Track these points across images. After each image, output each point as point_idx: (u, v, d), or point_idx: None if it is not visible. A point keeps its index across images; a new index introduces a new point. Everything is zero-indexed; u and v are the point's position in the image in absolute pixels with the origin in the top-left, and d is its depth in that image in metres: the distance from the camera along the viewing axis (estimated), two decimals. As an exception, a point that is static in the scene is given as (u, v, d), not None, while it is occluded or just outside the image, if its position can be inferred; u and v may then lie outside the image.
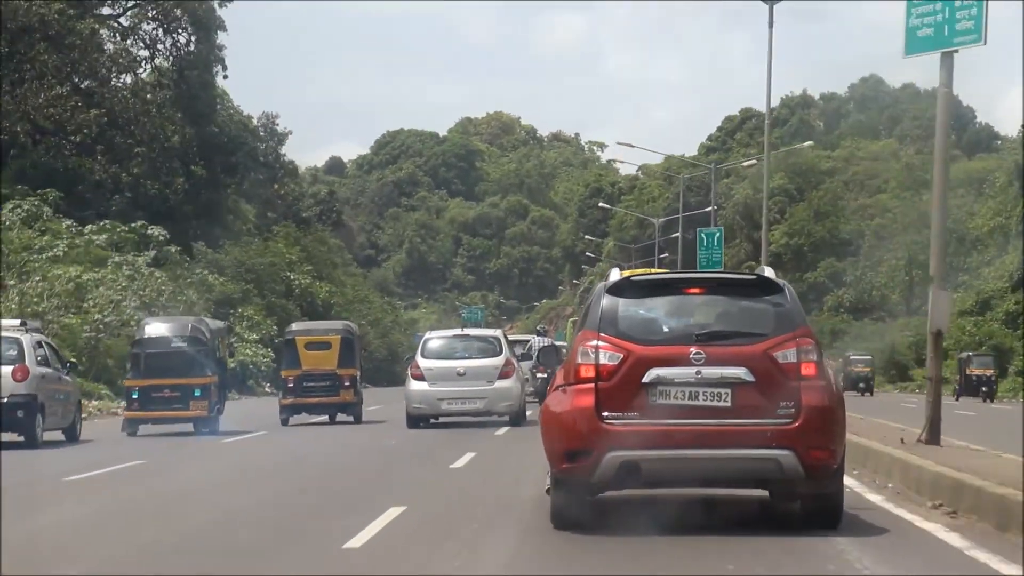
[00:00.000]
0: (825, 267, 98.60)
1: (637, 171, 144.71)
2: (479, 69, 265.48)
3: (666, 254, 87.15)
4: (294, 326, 32.71)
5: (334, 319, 63.82)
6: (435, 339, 28.50)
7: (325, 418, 31.06)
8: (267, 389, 56.59)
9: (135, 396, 26.21)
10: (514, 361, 28.21)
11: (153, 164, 56.80)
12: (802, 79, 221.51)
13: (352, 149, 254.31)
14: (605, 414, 10.73)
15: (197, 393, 26.16)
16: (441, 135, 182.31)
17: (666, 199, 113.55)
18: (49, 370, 24.18)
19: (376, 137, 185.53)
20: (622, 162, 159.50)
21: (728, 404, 10.67)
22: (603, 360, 10.82)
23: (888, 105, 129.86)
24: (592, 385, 10.78)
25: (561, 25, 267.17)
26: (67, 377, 25.57)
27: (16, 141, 50.80)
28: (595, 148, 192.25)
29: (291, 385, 29.90)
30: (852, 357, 68.65)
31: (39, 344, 24.31)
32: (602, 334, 10.92)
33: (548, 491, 11.60)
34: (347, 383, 29.83)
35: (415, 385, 27.16)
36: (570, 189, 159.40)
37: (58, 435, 24.84)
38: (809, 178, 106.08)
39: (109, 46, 56.12)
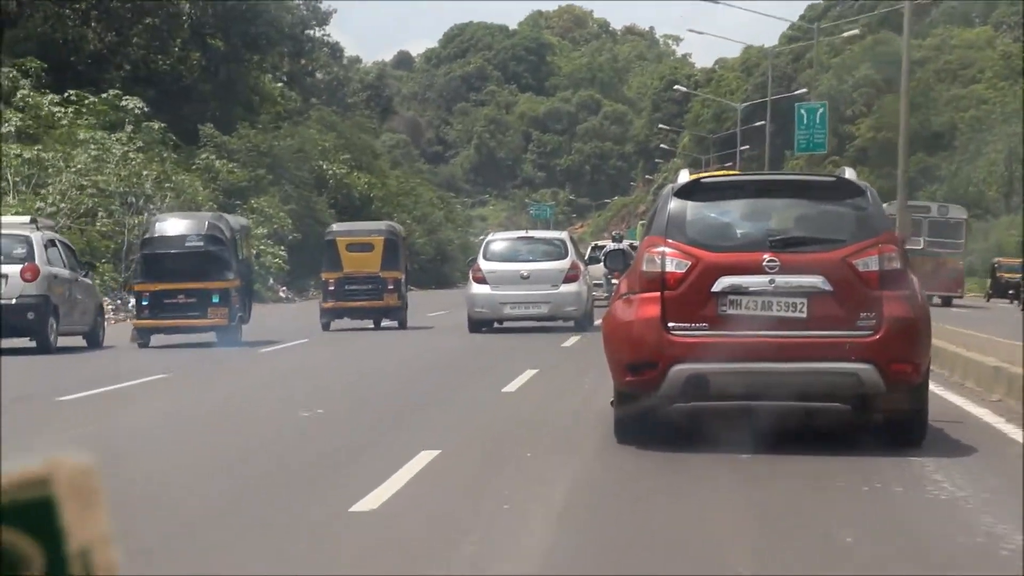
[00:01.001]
0: (916, 162, 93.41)
1: (714, 64, 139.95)
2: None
3: (747, 146, 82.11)
4: (335, 226, 31.57)
5: (373, 215, 59.14)
6: (498, 241, 27.90)
7: (369, 324, 29.75)
8: (281, 294, 50.10)
9: (145, 303, 23.89)
10: (580, 264, 27.51)
11: (159, 34, 49.86)
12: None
13: (421, 44, 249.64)
14: (671, 325, 10.31)
15: (216, 299, 23.84)
16: (511, 28, 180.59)
17: (744, 91, 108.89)
18: (63, 270, 22.94)
19: (445, 30, 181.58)
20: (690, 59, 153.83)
21: (804, 315, 10.27)
22: (670, 267, 10.39)
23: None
24: (658, 294, 10.36)
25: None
26: (85, 278, 24.27)
27: (2, 7, 44.41)
28: (670, 42, 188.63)
29: (332, 288, 28.80)
30: (1002, 262, 64.06)
31: (51, 243, 23.17)
32: (669, 240, 10.47)
33: (612, 403, 11.17)
34: (391, 286, 28.80)
35: (477, 288, 26.52)
36: (644, 83, 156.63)
37: (78, 340, 23.74)
38: (898, 67, 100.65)
39: None
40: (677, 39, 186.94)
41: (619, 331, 10.63)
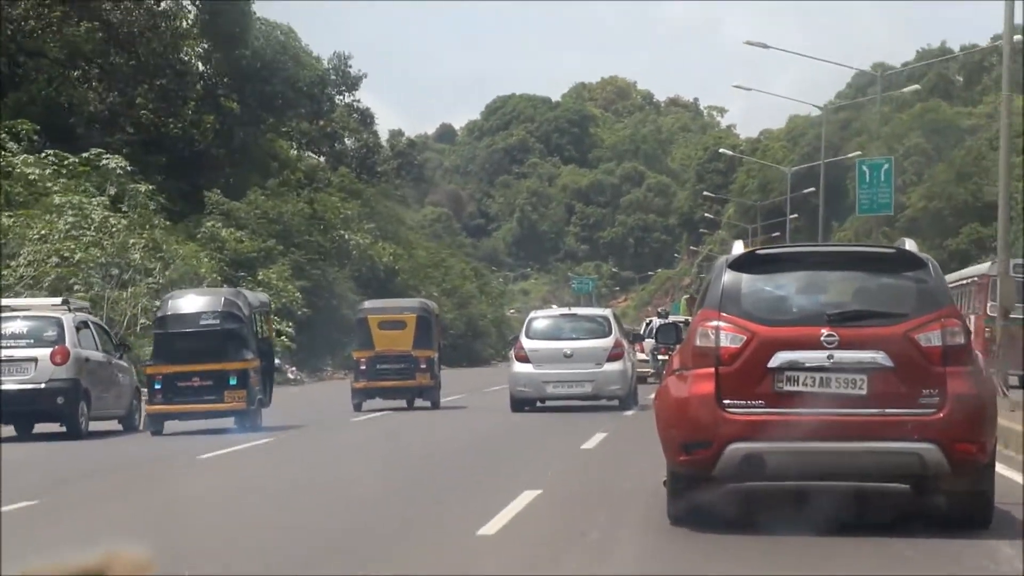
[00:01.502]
0: (968, 233, 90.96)
1: (759, 135, 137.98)
2: (594, 34, 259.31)
3: (796, 215, 79.46)
4: (366, 303, 31.30)
5: (398, 288, 57.22)
6: (540, 318, 27.87)
7: (402, 404, 29.66)
8: (290, 375, 46.90)
9: (158, 386, 22.68)
10: (624, 342, 27.46)
11: (166, 94, 46.61)
12: (940, 31, 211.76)
13: (464, 116, 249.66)
14: (726, 402, 10.12)
15: (233, 381, 22.63)
16: (554, 100, 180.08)
17: (791, 161, 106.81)
18: (95, 352, 22.79)
19: (487, 102, 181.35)
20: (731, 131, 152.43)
21: (864, 392, 9.99)
22: (724, 342, 10.16)
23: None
24: (712, 370, 10.14)
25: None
26: (120, 361, 23.90)
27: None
28: (714, 113, 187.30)
29: (364, 367, 28.63)
30: None
31: (84, 324, 22.97)
32: (723, 313, 10.29)
33: (665, 483, 10.96)
34: (424, 365, 28.59)
35: (520, 367, 26.52)
36: (688, 155, 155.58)
37: (113, 425, 23.58)
38: (948, 136, 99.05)
39: None
40: (722, 110, 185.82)
41: (672, 409, 10.48)
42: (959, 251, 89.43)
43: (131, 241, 34.07)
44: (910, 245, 10.86)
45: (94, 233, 32.91)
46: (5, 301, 23.81)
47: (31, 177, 34.11)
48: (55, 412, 21.87)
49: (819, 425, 9.93)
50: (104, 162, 37.58)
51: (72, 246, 32.00)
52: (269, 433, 21.89)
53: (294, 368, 46.51)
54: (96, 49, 42.58)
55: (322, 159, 66.23)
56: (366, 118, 70.18)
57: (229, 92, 52.57)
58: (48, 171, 35.93)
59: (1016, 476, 13.57)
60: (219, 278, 38.13)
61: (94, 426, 22.49)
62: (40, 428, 22.27)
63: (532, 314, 29.07)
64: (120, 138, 43.46)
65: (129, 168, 37.85)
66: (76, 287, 30.90)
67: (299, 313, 44.52)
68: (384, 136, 76.03)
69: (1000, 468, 12.39)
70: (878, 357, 9.95)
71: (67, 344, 21.90)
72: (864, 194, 37.33)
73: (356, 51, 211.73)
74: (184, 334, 22.71)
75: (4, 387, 21.41)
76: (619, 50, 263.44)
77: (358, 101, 70.12)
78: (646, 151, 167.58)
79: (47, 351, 21.73)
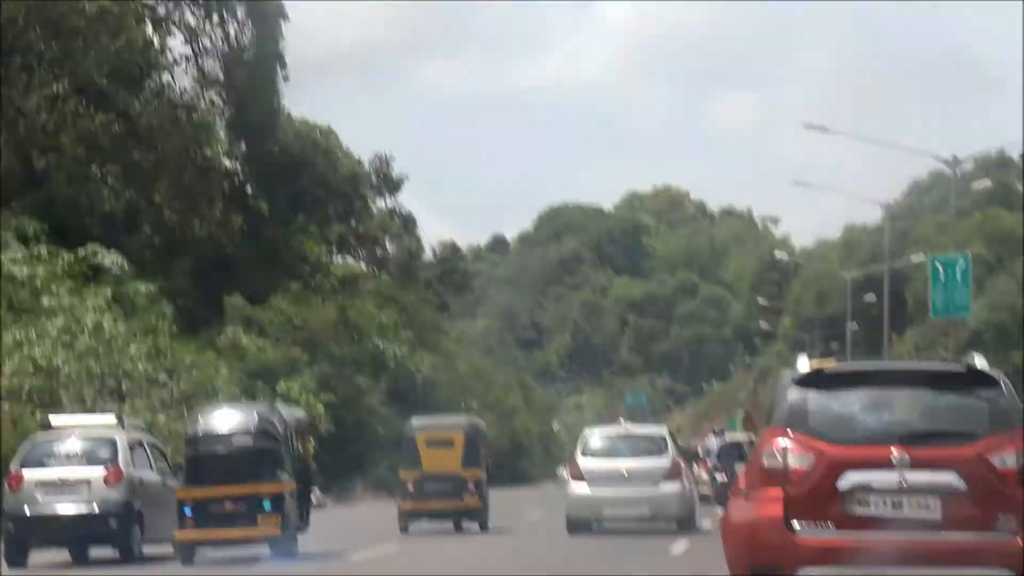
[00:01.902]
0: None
1: (814, 245, 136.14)
2: (646, 144, 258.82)
3: (854, 323, 76.90)
4: (414, 420, 30.65)
5: (437, 400, 55.41)
6: (596, 437, 27.59)
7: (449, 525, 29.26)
8: (313, 498, 43.50)
9: (188, 512, 21.53)
10: (681, 461, 27.43)
11: (188, 192, 43.61)
12: (1000, 138, 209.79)
13: (516, 225, 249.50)
14: (795, 525, 9.98)
15: (267, 505, 21.48)
16: (606, 210, 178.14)
17: (848, 270, 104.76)
18: (150, 473, 22.61)
19: (539, 212, 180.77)
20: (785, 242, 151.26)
21: (937, 516, 9.81)
22: (792, 463, 10.06)
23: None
24: (780, 491, 10.04)
25: (733, 103, 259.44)
26: (175, 482, 22.83)
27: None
28: (769, 224, 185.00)
29: (410, 488, 28.38)
30: None
31: (138, 443, 22.76)
32: (791, 432, 10.21)
33: None
34: (471, 486, 28.29)
35: (575, 487, 26.37)
36: (742, 265, 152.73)
37: (168, 548, 22.76)
38: (1010, 246, 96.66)
39: (141, 36, 41.69)
40: (776, 220, 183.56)
41: (739, 532, 10.28)
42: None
43: (132, 348, 31.54)
44: (980, 361, 10.66)
45: (89, 339, 30.37)
46: (57, 419, 23.46)
47: (18, 278, 31.57)
48: (108, 536, 21.58)
49: (893, 550, 9.69)
50: (100, 259, 35.06)
51: (64, 354, 29.55)
52: (309, 561, 21.23)
53: (315, 489, 43.46)
54: (113, 144, 40.61)
55: (361, 264, 64.01)
56: (408, 223, 68.16)
57: (257, 190, 50.43)
58: (39, 270, 33.29)
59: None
60: (237, 390, 35.75)
61: (148, 550, 22.22)
62: (95, 552, 22.06)
63: (587, 432, 28.63)
64: (137, 239, 41.36)
65: (127, 267, 35.39)
66: (64, 400, 28.55)
67: (323, 430, 41.71)
68: (433, 245, 73.97)
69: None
70: (951, 479, 9.75)
71: (120, 465, 21.66)
72: (938, 295, 34.76)
73: (404, 160, 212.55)
74: (214, 455, 21.73)
75: (58, 512, 21.22)
76: (672, 159, 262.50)
77: (400, 205, 68.27)
78: (700, 261, 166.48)
79: (100, 472, 21.48)
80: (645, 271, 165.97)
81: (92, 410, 28.58)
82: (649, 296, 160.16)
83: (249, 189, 50.61)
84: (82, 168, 40.18)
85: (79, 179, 40.38)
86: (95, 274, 34.51)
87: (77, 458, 21.71)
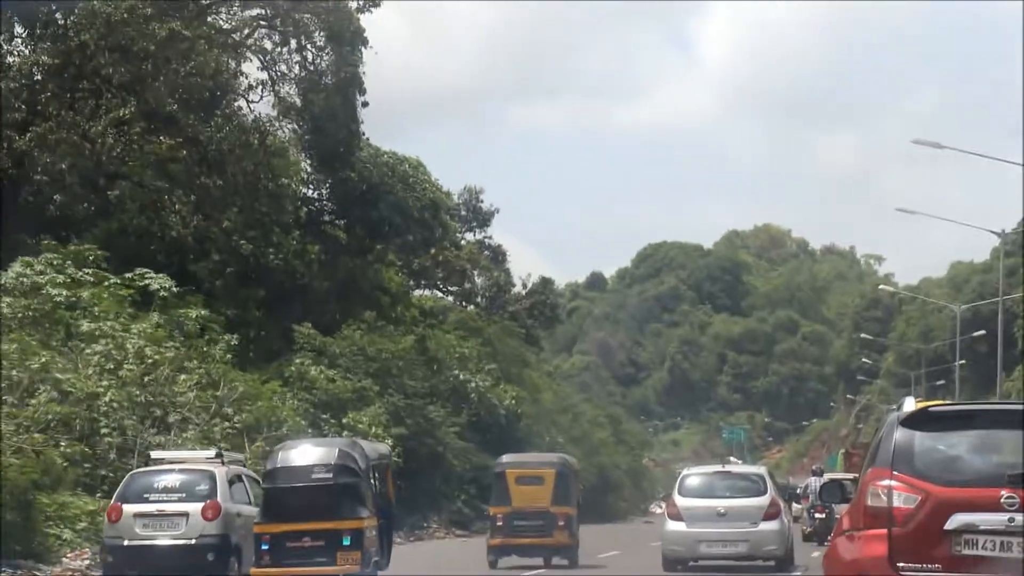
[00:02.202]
0: None
1: (919, 283, 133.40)
2: (747, 183, 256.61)
3: (964, 361, 74.30)
4: (504, 458, 30.84)
5: (520, 434, 54.81)
6: (694, 476, 27.55)
7: (539, 561, 29.10)
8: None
9: (265, 547, 21.02)
10: (780, 501, 27.29)
11: (259, 218, 42.24)
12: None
13: (614, 264, 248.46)
14: (901, 565, 9.87)
15: (347, 541, 20.85)
16: (706, 247, 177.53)
17: (952, 312, 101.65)
18: (248, 507, 22.40)
19: (639, 250, 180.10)
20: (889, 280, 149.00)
21: None
22: (897, 503, 9.95)
23: None
24: (885, 531, 9.91)
25: (834, 139, 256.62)
26: None
27: (59, 183, 36.91)
28: (871, 261, 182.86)
29: (500, 524, 28.41)
30: None
31: (238, 477, 22.84)
32: (896, 472, 10.08)
33: None
34: (561, 523, 28.21)
35: (672, 525, 26.24)
36: (844, 303, 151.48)
37: None
38: None
39: (215, 61, 39.66)
40: (879, 258, 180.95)
41: (844, 571, 10.25)
42: None
43: (182, 377, 30.05)
44: None
45: (132, 366, 28.89)
46: (157, 454, 23.78)
47: (56, 298, 30.21)
48: (206, 569, 21.57)
49: None
50: (147, 282, 33.46)
51: (107, 382, 28.02)
52: None
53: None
54: (183, 171, 39.51)
55: (449, 298, 62.59)
56: (497, 255, 66.74)
57: (333, 218, 49.09)
58: (84, 294, 31.75)
59: None
60: (302, 422, 34.39)
61: None
62: None
63: (685, 471, 28.69)
64: (205, 266, 40.09)
65: (177, 289, 33.85)
66: (103, 430, 27.21)
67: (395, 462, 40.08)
68: (523, 278, 72.45)
69: None
70: None
71: (219, 499, 21.75)
72: None
73: (503, 199, 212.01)
74: (294, 489, 21.16)
75: (156, 543, 21.46)
76: (773, 197, 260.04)
77: (490, 238, 66.76)
78: (801, 299, 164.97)
79: (199, 506, 21.61)
80: (745, 309, 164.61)
81: (134, 441, 27.32)
82: (748, 333, 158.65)
83: (326, 217, 49.30)
84: (152, 196, 39.01)
85: (150, 208, 39.26)
86: (145, 299, 33.01)
87: (176, 492, 21.93)
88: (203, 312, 33.69)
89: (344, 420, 38.21)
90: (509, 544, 28.41)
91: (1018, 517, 9.71)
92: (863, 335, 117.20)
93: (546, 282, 70.86)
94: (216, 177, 38.92)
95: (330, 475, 21.23)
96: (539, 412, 59.41)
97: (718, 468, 28.92)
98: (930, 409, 10.59)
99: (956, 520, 9.78)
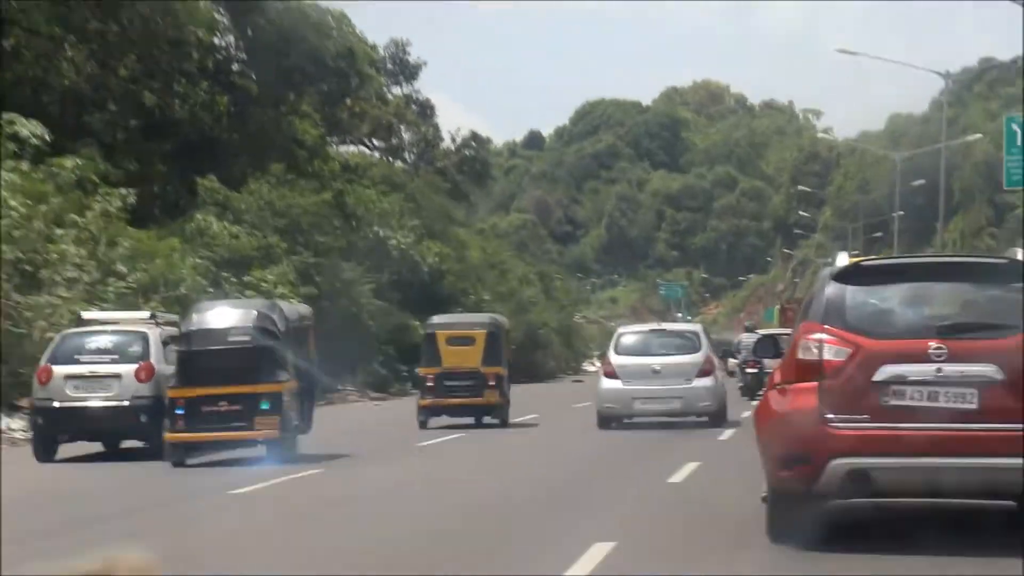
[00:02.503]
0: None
1: (857, 136, 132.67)
2: (686, 38, 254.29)
3: (902, 212, 73.51)
4: (435, 319, 30.66)
5: (443, 292, 53.61)
6: (629, 334, 27.80)
7: (469, 420, 29.21)
8: None
9: (180, 412, 20.34)
10: (714, 358, 27.55)
11: (161, 70, 39.48)
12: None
13: (552, 122, 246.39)
14: (829, 416, 10.05)
15: (265, 406, 20.28)
16: (644, 104, 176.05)
17: (891, 162, 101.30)
18: None
19: (576, 108, 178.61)
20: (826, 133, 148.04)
21: (974, 406, 9.90)
22: (828, 355, 10.16)
23: None
24: (815, 384, 10.11)
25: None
26: None
27: None
28: (810, 116, 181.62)
29: (431, 384, 28.42)
30: None
31: (171, 339, 21.92)
32: (827, 326, 10.22)
33: (764, 499, 11.02)
34: (492, 383, 28.33)
35: (607, 383, 26.43)
36: (782, 158, 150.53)
37: None
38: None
39: None
40: (818, 113, 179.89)
41: (773, 423, 10.46)
42: None
43: (59, 232, 27.82)
44: (1021, 254, 10.73)
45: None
46: (88, 315, 23.31)
47: None
48: (138, 430, 21.53)
49: (927, 440, 9.87)
50: (17, 128, 30.33)
51: None
52: (313, 463, 19.75)
53: None
54: (76, 14, 36.75)
55: (376, 154, 60.38)
56: (426, 109, 64.41)
57: (244, 68, 46.55)
58: None
59: None
60: (201, 280, 32.63)
61: None
62: (128, 444, 22.13)
63: (620, 329, 29.02)
64: (102, 118, 37.73)
65: (49, 137, 31.39)
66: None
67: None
68: (452, 133, 70.19)
69: None
70: (989, 370, 9.81)
71: (152, 360, 21.41)
72: (1013, 162, 30.51)
73: (436, 56, 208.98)
74: (210, 352, 20.39)
75: (89, 404, 21.14)
76: (712, 54, 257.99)
77: (418, 92, 64.22)
78: (739, 155, 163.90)
79: (132, 367, 21.36)
80: (683, 165, 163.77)
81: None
82: (687, 189, 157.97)
83: (235, 67, 46.87)
84: (47, 45, 36.36)
85: (44, 57, 36.61)
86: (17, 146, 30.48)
87: (109, 353, 21.53)
88: (79, 161, 31.22)
89: (247, 279, 36.30)
90: (439, 404, 28.41)
91: (946, 368, 9.84)
92: (801, 187, 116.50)
93: (477, 137, 68.67)
94: (111, 23, 36.28)
95: (248, 337, 20.54)
96: (465, 270, 57.60)
97: (653, 326, 29.08)
98: (862, 264, 10.73)
99: (885, 371, 9.89)
